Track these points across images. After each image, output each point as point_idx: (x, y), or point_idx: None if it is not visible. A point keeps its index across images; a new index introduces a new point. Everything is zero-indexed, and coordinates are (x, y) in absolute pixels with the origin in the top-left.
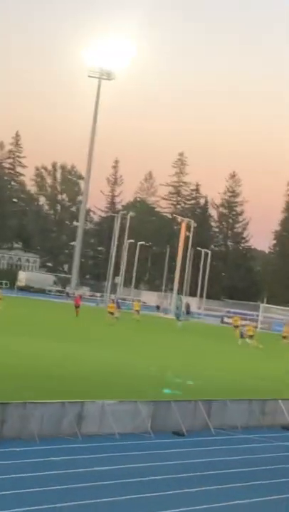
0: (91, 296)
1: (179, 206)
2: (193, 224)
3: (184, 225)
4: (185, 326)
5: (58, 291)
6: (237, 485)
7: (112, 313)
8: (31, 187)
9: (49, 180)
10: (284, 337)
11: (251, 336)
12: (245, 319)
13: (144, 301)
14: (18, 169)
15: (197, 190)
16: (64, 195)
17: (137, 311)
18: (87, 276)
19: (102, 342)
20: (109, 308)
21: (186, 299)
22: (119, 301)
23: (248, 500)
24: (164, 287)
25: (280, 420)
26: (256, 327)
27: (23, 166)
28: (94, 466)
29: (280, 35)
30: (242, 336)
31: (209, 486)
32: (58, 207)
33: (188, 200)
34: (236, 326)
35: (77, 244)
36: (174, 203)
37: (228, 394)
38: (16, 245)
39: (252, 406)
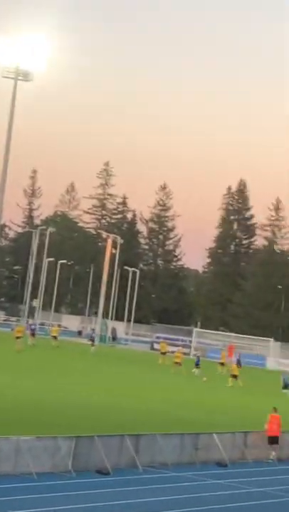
0: (5, 320)
1: (104, 221)
2: (119, 240)
3: (109, 242)
4: (108, 352)
5: None
6: None
7: (18, 338)
8: None
9: None
10: (221, 364)
11: (177, 363)
12: (177, 345)
13: (65, 326)
14: None
15: (124, 203)
16: None
17: (55, 336)
18: (2, 299)
19: (13, 371)
20: (17, 332)
21: (112, 324)
22: (33, 326)
23: None
24: (87, 311)
25: (214, 456)
26: (184, 353)
27: None
28: (7, 510)
29: (198, 37)
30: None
31: None
32: None
33: (115, 214)
34: (163, 353)
35: None
36: (99, 217)
37: (157, 427)
38: None
39: (184, 441)
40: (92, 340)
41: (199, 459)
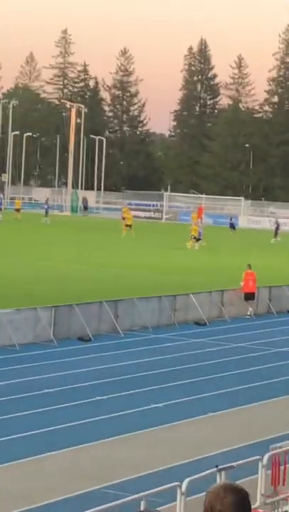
0: None
1: (66, 90)
2: (83, 109)
3: (73, 111)
4: (80, 221)
5: None
6: (151, 388)
7: None
8: None
9: None
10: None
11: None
12: (149, 210)
13: (36, 199)
14: None
15: (85, 71)
16: None
17: (17, 209)
18: None
19: None
20: None
21: (82, 193)
22: None
23: (163, 403)
24: (56, 182)
25: (192, 316)
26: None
27: None
28: None
29: None
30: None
31: (122, 391)
32: None
33: (77, 82)
34: (124, 218)
35: None
36: (61, 87)
37: (135, 292)
38: None
39: (162, 303)
40: (46, 211)
41: (178, 319)
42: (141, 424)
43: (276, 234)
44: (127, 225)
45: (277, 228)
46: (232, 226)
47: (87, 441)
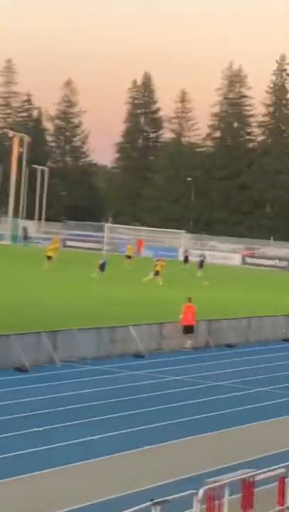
0: None
1: (9, 120)
2: (26, 139)
3: (16, 141)
4: (20, 251)
5: None
6: (88, 420)
7: None
8: None
9: None
10: (128, 257)
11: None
12: (90, 241)
13: None
14: None
15: (29, 100)
16: None
17: None
18: None
19: None
20: None
21: (22, 223)
22: None
23: (100, 436)
24: None
25: (131, 348)
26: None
27: None
28: None
29: None
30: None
31: (58, 423)
32: None
33: (20, 112)
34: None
35: None
36: (4, 116)
37: (74, 323)
38: None
39: (101, 334)
40: None
41: (117, 351)
42: (77, 456)
43: (201, 266)
44: (48, 256)
45: (202, 262)
46: (186, 259)
47: (21, 473)
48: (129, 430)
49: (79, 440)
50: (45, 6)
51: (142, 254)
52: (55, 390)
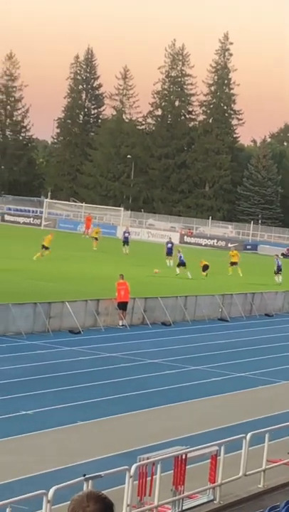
0: None
1: None
2: None
3: None
4: None
5: None
6: (22, 394)
7: None
8: None
9: None
10: (95, 239)
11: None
12: (28, 216)
13: None
14: None
15: None
16: None
17: None
18: None
19: None
20: None
21: None
22: None
23: (33, 410)
24: None
25: (67, 324)
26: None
27: None
28: None
29: None
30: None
31: None
32: None
33: None
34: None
35: None
36: None
37: (10, 297)
38: None
39: (37, 309)
40: None
41: (52, 327)
42: (9, 430)
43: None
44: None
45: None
46: (126, 240)
47: None
48: (63, 405)
49: (14, 414)
50: None
51: (90, 231)
52: None
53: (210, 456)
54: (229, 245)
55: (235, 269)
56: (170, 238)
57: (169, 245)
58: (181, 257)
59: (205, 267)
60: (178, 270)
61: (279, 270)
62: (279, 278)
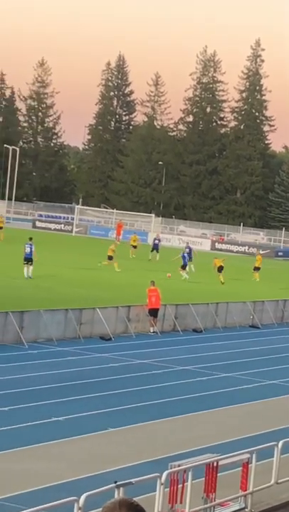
0: None
1: None
2: None
3: None
4: None
5: None
6: (53, 401)
7: None
8: None
9: None
10: (133, 247)
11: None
12: (59, 222)
13: None
14: None
15: (2, 80)
16: None
17: None
18: None
19: None
20: None
21: None
22: None
23: (64, 417)
24: None
25: (98, 330)
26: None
27: None
28: None
29: None
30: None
31: (23, 403)
32: None
33: None
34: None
35: None
36: None
37: (41, 304)
38: None
39: (68, 316)
40: None
41: (83, 333)
42: (41, 436)
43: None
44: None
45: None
46: (156, 247)
47: None
48: (94, 412)
49: (44, 421)
50: None
51: (121, 238)
52: (21, 371)
53: (241, 463)
54: (260, 252)
55: (257, 275)
56: (157, 235)
57: (156, 241)
58: (185, 257)
59: (220, 268)
60: (184, 274)
61: None
62: None
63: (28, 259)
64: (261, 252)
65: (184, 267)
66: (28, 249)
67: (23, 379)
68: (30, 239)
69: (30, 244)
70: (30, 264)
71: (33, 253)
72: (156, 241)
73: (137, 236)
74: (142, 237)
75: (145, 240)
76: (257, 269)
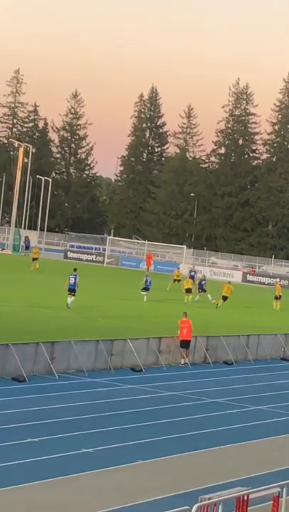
0: None
1: (15, 130)
2: (31, 149)
3: (21, 151)
4: (21, 260)
5: None
6: (83, 432)
7: None
8: None
9: None
10: (177, 281)
11: (279, 297)
12: (91, 253)
13: None
14: None
15: (35, 111)
16: None
17: None
18: None
19: None
20: None
21: (24, 233)
22: None
23: (94, 449)
24: (0, 220)
25: (129, 361)
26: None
27: None
28: None
29: None
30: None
31: (53, 434)
32: None
33: (26, 122)
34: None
35: None
36: (10, 126)
37: (72, 334)
38: None
39: (99, 347)
40: None
41: (114, 364)
42: (70, 468)
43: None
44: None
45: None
46: (191, 278)
47: (15, 483)
48: (124, 444)
49: (74, 452)
50: (53, 16)
51: (151, 268)
52: (51, 401)
53: (272, 497)
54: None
55: (277, 304)
56: (193, 267)
57: (192, 273)
58: (147, 281)
59: (225, 298)
60: (144, 296)
61: None
62: None
63: (72, 290)
64: (279, 281)
65: (145, 290)
66: (72, 280)
67: (53, 410)
68: (75, 269)
69: (75, 275)
70: (73, 295)
71: (76, 284)
72: (192, 273)
73: (181, 272)
74: (174, 269)
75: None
76: (278, 298)
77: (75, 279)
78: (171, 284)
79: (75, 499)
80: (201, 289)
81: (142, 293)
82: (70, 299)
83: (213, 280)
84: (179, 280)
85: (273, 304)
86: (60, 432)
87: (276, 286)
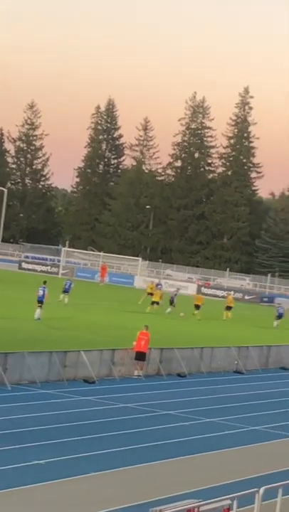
0: None
1: None
2: None
3: None
4: None
5: None
6: (35, 444)
7: None
8: None
9: None
10: (149, 294)
11: (230, 308)
12: (46, 264)
13: None
14: None
15: None
16: None
17: None
18: None
19: None
20: None
21: None
22: None
23: (45, 460)
24: None
25: (82, 373)
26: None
27: None
28: None
29: None
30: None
31: (4, 446)
32: None
33: None
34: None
35: None
36: None
37: (25, 345)
38: None
39: (52, 358)
40: None
41: (67, 376)
42: (21, 480)
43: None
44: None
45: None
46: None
47: None
48: (75, 456)
49: (26, 464)
50: (9, 26)
51: (105, 280)
52: (2, 413)
53: (222, 509)
54: (246, 297)
55: (228, 314)
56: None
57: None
58: (67, 284)
59: (197, 306)
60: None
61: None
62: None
63: (40, 302)
64: (232, 293)
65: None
66: (41, 292)
67: (5, 421)
68: (45, 282)
69: (44, 288)
70: (41, 307)
71: (45, 296)
72: (159, 286)
73: (153, 284)
74: (129, 281)
75: (132, 284)
76: (228, 308)
77: (44, 291)
78: (145, 297)
79: (28, 511)
80: (172, 301)
81: (62, 295)
82: (38, 311)
83: (168, 293)
84: (152, 294)
85: (224, 314)
86: (11, 443)
87: (228, 297)
